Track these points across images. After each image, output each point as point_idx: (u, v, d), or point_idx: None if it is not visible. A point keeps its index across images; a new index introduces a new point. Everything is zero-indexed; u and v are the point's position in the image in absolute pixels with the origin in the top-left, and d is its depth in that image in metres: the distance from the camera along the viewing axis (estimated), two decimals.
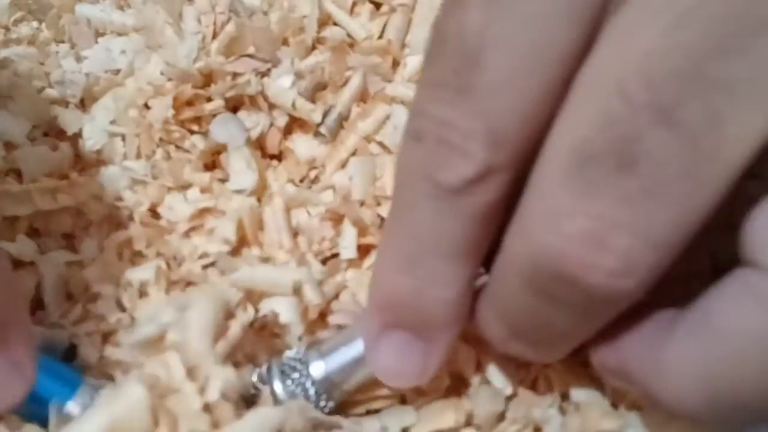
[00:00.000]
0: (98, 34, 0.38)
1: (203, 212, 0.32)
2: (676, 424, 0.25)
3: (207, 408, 0.21)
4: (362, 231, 0.31)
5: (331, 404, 0.26)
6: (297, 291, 0.28)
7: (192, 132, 0.34)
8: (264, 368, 0.26)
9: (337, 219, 0.32)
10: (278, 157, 0.35)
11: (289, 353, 0.26)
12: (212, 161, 0.34)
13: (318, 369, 0.25)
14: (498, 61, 0.19)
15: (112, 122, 0.34)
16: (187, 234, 0.32)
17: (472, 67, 0.19)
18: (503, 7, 0.19)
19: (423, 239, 0.21)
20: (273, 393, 0.25)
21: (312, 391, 0.25)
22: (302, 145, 0.34)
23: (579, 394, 0.27)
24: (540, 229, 0.19)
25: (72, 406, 0.24)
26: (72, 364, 0.28)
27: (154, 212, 0.33)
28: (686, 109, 0.17)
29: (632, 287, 0.19)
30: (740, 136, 0.17)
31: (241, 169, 0.32)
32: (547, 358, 0.24)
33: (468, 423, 0.27)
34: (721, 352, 0.19)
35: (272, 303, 0.28)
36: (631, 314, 0.21)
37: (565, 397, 0.27)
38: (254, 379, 0.26)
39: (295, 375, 0.25)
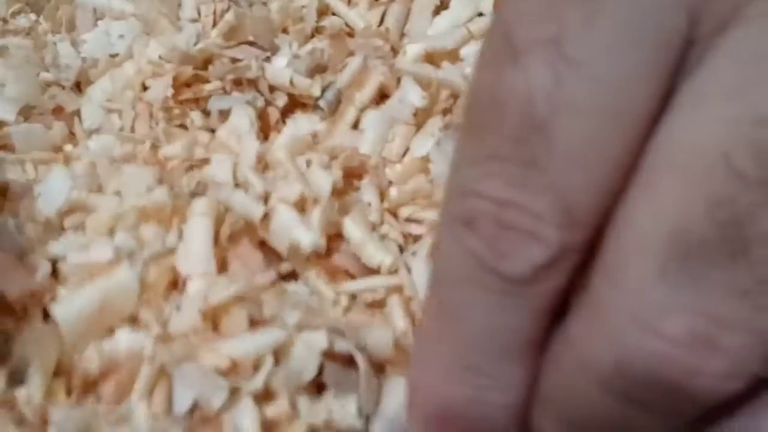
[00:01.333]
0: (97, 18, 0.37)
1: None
2: None
3: None
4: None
5: None
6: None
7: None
8: None
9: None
10: None
11: None
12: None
13: None
14: (570, 128, 0.16)
15: (109, 100, 0.34)
16: None
17: (539, 137, 0.16)
18: (572, 67, 0.16)
19: (482, 340, 0.18)
20: None
21: None
22: (302, 121, 0.33)
23: None
24: (630, 330, 0.16)
25: None
26: None
27: None
28: None
29: (741, 388, 0.16)
30: None
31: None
32: None
33: None
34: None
35: None
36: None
37: None
38: None
39: None
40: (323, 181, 0.29)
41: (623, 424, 0.18)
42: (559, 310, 0.18)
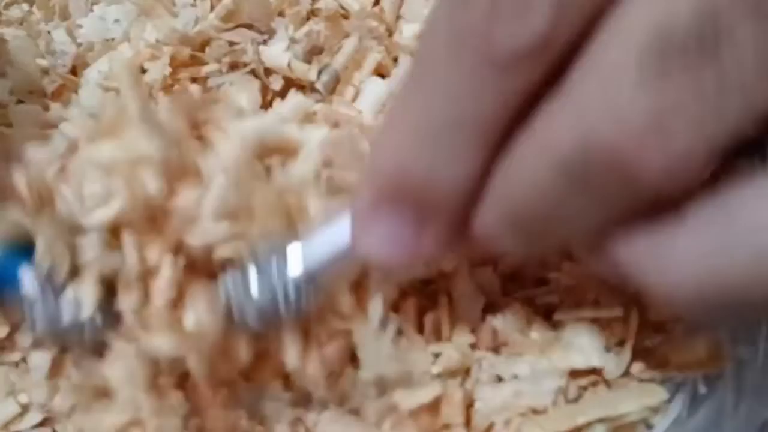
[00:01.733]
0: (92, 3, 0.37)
1: None
2: None
3: None
4: None
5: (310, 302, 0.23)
6: None
7: None
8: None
9: None
10: None
11: (262, 245, 0.24)
12: None
13: (295, 254, 0.23)
14: None
15: (107, 79, 0.34)
16: None
17: None
18: None
19: (447, 111, 0.19)
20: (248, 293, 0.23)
21: (291, 286, 0.23)
22: (299, 97, 0.33)
23: None
24: (597, 112, 0.17)
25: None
26: None
27: None
28: None
29: (686, 184, 0.17)
30: None
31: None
32: (532, 251, 0.22)
33: None
34: (730, 244, 0.18)
35: None
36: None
37: None
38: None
39: (272, 268, 0.23)
40: None
41: (566, 210, 0.19)
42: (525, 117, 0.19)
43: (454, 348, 0.26)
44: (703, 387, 0.27)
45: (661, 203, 0.18)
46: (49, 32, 0.37)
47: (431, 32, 0.19)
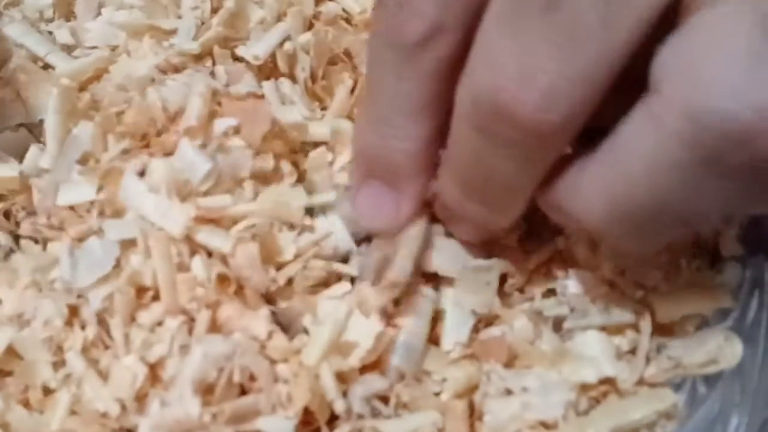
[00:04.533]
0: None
1: None
2: None
3: None
4: None
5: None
6: None
7: None
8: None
9: None
10: None
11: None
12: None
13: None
14: None
15: None
16: None
17: None
18: None
19: (387, 97, 0.24)
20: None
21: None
22: None
23: None
24: (480, 71, 0.21)
25: None
26: None
27: None
28: None
29: (556, 121, 0.20)
30: None
31: None
32: (500, 218, 0.25)
33: None
34: (619, 170, 0.20)
35: None
36: (566, 161, 0.22)
37: None
38: None
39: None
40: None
41: (491, 166, 0.22)
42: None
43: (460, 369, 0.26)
44: (703, 387, 0.27)
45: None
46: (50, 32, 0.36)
47: (371, 35, 0.25)
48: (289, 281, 0.27)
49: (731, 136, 0.18)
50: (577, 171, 0.22)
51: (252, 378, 0.25)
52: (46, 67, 0.35)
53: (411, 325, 0.26)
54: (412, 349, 0.26)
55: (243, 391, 0.25)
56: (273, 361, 0.25)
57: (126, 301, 0.26)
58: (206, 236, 0.26)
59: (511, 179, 0.23)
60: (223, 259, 0.26)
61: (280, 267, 0.27)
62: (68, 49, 0.36)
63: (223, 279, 0.26)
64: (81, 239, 0.28)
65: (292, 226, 0.28)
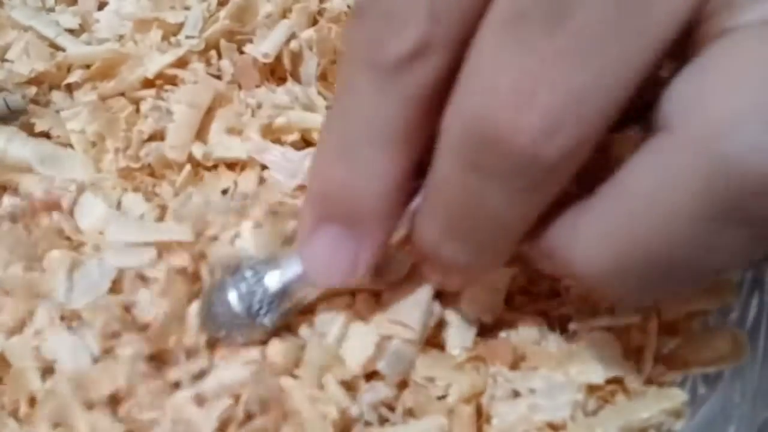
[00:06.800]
0: None
1: None
2: None
3: None
4: None
5: (274, 317, 0.24)
6: None
7: None
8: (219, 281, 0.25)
9: None
10: None
11: (247, 264, 0.24)
12: None
13: (272, 279, 0.24)
14: None
15: None
16: None
17: None
18: None
19: (358, 125, 0.20)
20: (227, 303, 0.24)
21: (263, 302, 0.24)
22: None
23: None
24: (471, 94, 0.18)
25: None
26: None
27: None
28: None
29: (557, 151, 0.17)
30: (664, 4, 0.17)
31: None
32: (483, 264, 0.21)
33: None
34: (624, 217, 0.18)
35: None
36: (561, 203, 0.19)
37: None
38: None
39: (247, 285, 0.24)
40: None
41: (480, 204, 0.19)
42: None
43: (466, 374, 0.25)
44: (703, 387, 0.27)
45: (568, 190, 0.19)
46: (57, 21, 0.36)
47: (342, 43, 0.21)
48: None
49: (755, 187, 0.16)
50: (576, 214, 0.19)
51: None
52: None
53: (403, 333, 0.25)
54: (401, 356, 0.25)
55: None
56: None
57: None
58: None
59: (501, 219, 0.19)
60: None
61: None
62: (74, 34, 0.35)
63: None
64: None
65: None
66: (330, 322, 0.25)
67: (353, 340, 0.24)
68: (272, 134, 0.30)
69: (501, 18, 0.17)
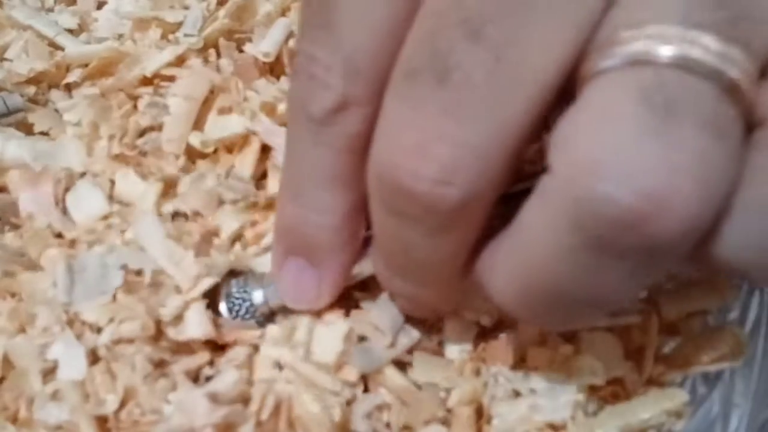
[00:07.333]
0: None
1: None
2: None
3: None
4: None
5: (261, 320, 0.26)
6: None
7: None
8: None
9: None
10: None
11: (235, 282, 0.27)
12: None
13: (258, 297, 0.26)
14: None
15: None
16: None
17: (330, 6, 0.20)
18: None
19: (303, 169, 0.22)
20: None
21: (249, 312, 0.26)
22: None
23: None
24: (380, 146, 0.19)
25: None
26: None
27: None
28: (491, 24, 0.17)
29: (456, 196, 0.18)
30: (543, 54, 0.17)
31: None
32: (427, 294, 0.23)
33: None
34: (519, 253, 0.19)
35: None
36: (491, 235, 0.21)
37: None
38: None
39: (239, 300, 0.26)
40: None
41: (406, 243, 0.20)
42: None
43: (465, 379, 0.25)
44: (703, 387, 0.27)
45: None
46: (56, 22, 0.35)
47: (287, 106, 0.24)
48: None
49: (617, 222, 0.16)
50: (494, 249, 0.20)
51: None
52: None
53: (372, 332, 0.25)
54: (368, 351, 0.25)
55: None
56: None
57: None
58: None
59: (427, 257, 0.21)
60: None
61: None
62: (73, 33, 0.35)
63: None
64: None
65: None
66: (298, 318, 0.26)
67: (323, 335, 0.25)
68: (278, 119, 0.30)
69: (400, 76, 0.19)
